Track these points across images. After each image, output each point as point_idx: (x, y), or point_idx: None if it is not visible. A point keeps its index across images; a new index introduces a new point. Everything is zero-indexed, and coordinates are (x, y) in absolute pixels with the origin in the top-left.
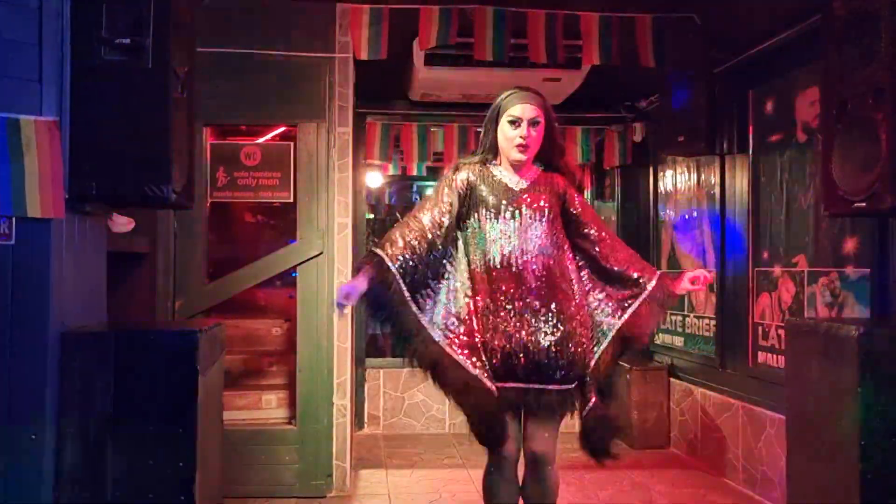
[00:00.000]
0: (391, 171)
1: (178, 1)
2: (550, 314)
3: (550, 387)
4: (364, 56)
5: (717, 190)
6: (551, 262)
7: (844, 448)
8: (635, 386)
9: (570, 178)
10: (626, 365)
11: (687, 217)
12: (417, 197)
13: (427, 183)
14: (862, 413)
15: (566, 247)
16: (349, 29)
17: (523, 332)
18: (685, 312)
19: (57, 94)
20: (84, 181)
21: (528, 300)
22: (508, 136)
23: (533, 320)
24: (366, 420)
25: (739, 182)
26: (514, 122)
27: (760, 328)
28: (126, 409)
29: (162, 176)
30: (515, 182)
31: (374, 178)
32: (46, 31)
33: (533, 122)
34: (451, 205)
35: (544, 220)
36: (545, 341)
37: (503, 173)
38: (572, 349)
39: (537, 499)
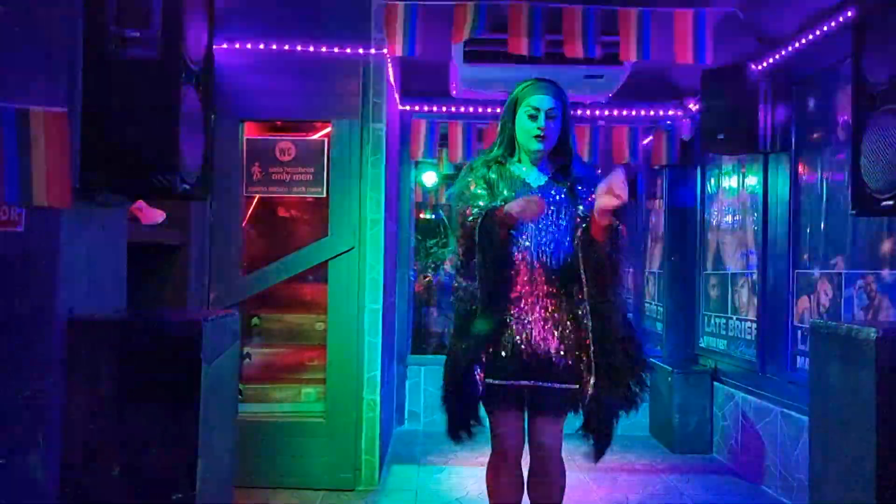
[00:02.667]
0: (445, 170)
1: None
2: (562, 313)
3: (557, 385)
4: (399, 52)
5: (760, 189)
6: (568, 260)
7: (862, 455)
8: (677, 389)
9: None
10: (668, 367)
11: (731, 217)
12: None
13: None
14: (879, 419)
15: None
16: (384, 25)
17: (535, 330)
18: (728, 315)
19: (67, 85)
20: (94, 171)
21: (541, 297)
22: (526, 127)
23: (545, 318)
24: (406, 416)
25: (782, 181)
26: (532, 114)
27: (800, 331)
28: (130, 396)
29: (170, 167)
30: (534, 178)
31: (429, 178)
32: (57, 22)
33: (550, 114)
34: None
35: (562, 216)
36: (555, 340)
37: (521, 169)
38: (578, 349)
39: (542, 495)
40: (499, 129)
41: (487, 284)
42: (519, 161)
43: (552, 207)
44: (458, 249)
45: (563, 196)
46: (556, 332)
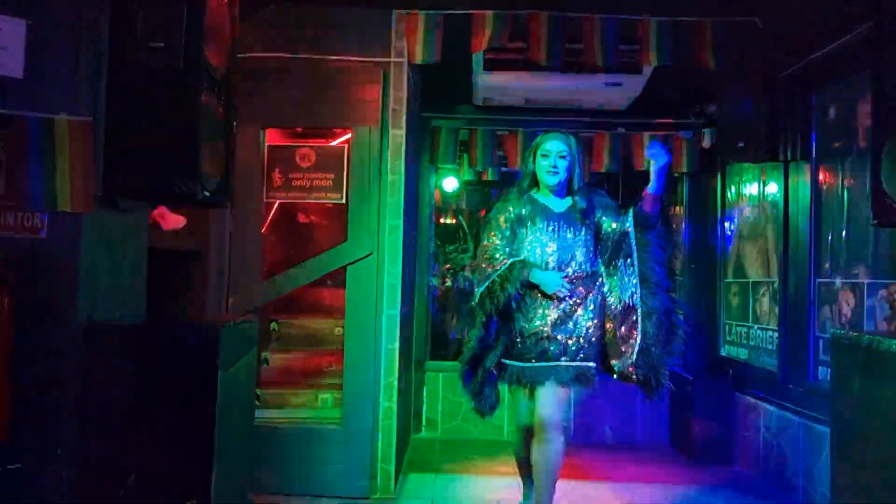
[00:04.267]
0: (465, 175)
1: (214, 6)
2: (573, 311)
3: (555, 363)
4: (419, 60)
5: (781, 198)
6: (581, 268)
7: (885, 467)
8: (698, 399)
9: (605, 205)
10: (689, 377)
11: (752, 226)
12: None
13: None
14: None
15: (596, 259)
16: (405, 34)
17: (548, 322)
18: (750, 324)
19: (92, 94)
20: (116, 178)
21: (558, 298)
22: (542, 165)
23: (558, 313)
24: (424, 424)
25: (802, 190)
26: (545, 155)
27: (821, 341)
28: (147, 402)
29: (191, 174)
30: (555, 205)
31: (450, 184)
32: (83, 34)
33: (560, 155)
34: (512, 232)
35: (579, 236)
36: (565, 331)
37: (545, 199)
38: (584, 339)
39: (539, 461)
40: (524, 169)
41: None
42: (541, 192)
43: (569, 226)
44: (476, 274)
45: (578, 221)
46: (569, 322)
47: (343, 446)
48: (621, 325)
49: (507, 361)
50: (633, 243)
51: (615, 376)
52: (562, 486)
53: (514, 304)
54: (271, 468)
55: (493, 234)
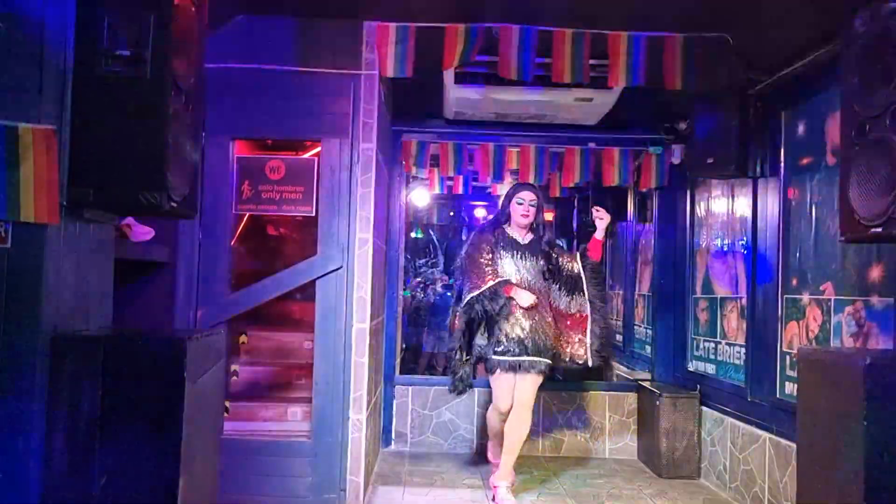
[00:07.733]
0: (436, 190)
1: (182, 16)
2: (534, 322)
3: (527, 358)
4: (390, 73)
5: (749, 214)
6: (539, 289)
7: (849, 483)
8: (665, 413)
9: (553, 243)
10: (656, 391)
11: (720, 241)
12: (465, 217)
13: (475, 203)
14: (867, 447)
15: (549, 281)
16: (376, 46)
17: (518, 329)
18: (717, 339)
19: (57, 103)
20: (82, 188)
21: (526, 309)
22: (517, 210)
23: (530, 322)
24: (393, 437)
25: (771, 206)
26: (521, 203)
27: (788, 357)
28: (113, 414)
29: (157, 184)
30: (521, 239)
31: (421, 197)
32: (48, 42)
33: (531, 203)
34: (492, 255)
35: (536, 263)
36: (531, 335)
37: (513, 233)
38: (543, 341)
39: (513, 432)
40: (500, 207)
41: (486, 308)
42: (511, 227)
43: (533, 256)
44: (467, 284)
45: (536, 251)
46: (536, 329)
47: (312, 459)
48: (570, 330)
49: (496, 357)
50: (584, 281)
51: (567, 361)
52: (526, 499)
53: (502, 311)
54: (240, 481)
55: (480, 256)
